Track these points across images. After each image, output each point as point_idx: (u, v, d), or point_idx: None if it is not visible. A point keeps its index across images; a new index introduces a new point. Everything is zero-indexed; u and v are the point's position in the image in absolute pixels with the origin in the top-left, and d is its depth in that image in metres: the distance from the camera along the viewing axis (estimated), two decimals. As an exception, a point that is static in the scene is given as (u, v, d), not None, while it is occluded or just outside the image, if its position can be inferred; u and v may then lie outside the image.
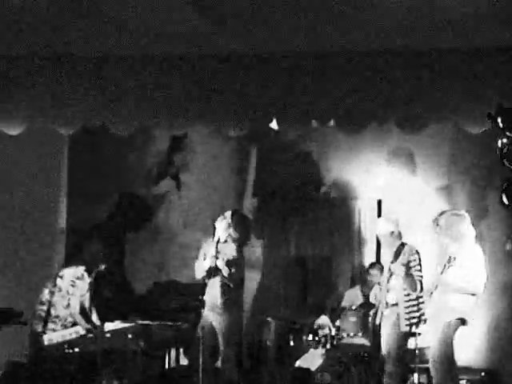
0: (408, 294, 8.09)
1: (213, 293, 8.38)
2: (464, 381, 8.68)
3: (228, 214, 8.50)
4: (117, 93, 8.40)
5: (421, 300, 8.09)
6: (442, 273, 7.72)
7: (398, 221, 8.41)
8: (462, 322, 7.66)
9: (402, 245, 8.28)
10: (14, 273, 9.70)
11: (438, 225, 7.88)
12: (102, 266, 8.73)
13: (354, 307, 9.29)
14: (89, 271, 8.69)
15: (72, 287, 8.61)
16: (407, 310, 8.10)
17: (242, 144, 10.69)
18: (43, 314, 8.51)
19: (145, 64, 8.37)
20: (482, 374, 9.37)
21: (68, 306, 8.56)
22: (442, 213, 7.94)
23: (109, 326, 8.44)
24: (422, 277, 8.11)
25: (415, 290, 8.05)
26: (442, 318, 7.67)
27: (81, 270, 8.72)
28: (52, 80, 8.45)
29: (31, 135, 8.82)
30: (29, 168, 9.89)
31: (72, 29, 7.69)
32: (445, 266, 7.72)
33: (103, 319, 8.65)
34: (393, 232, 8.32)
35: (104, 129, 8.60)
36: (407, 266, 8.06)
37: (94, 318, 8.72)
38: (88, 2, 7.24)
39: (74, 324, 8.53)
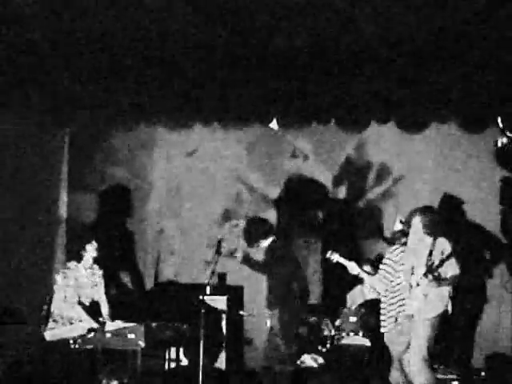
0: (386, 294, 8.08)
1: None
2: (456, 382, 8.67)
3: None
4: (118, 93, 8.41)
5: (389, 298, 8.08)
6: (424, 271, 7.65)
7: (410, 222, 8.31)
8: (445, 314, 7.65)
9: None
10: (13, 271, 9.70)
11: (410, 225, 7.81)
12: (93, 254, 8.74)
13: (353, 307, 9.30)
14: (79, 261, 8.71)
15: (64, 279, 8.62)
16: (385, 310, 8.09)
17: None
18: (44, 312, 8.54)
19: (145, 64, 8.39)
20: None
21: (65, 298, 8.56)
22: (413, 212, 7.86)
23: (109, 326, 8.45)
24: (387, 277, 8.10)
25: (377, 290, 8.08)
26: (425, 315, 7.65)
27: (73, 262, 8.74)
28: (52, 80, 8.47)
29: (31, 135, 8.85)
30: (29, 165, 9.89)
31: (72, 29, 7.71)
32: (426, 264, 7.66)
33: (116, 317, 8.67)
34: (401, 230, 8.28)
35: (104, 128, 8.63)
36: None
37: (105, 312, 8.72)
38: (88, 3, 7.26)
39: (80, 320, 8.55)
